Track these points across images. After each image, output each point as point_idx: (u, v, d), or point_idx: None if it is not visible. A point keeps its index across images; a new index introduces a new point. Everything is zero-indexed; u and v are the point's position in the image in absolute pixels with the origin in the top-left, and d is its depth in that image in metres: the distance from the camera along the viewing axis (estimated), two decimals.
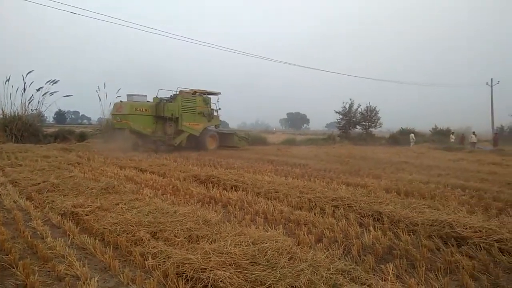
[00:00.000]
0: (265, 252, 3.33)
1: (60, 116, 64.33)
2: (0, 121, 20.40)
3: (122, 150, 15.35)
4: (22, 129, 20.01)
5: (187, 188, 7.09)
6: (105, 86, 22.52)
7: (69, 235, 4.28)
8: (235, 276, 2.91)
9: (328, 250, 3.76)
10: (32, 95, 21.29)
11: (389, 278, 3.07)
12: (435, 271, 3.35)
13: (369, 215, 5.12)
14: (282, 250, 3.42)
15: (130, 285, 3.06)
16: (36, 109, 21.79)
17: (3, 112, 20.74)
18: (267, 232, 4.08)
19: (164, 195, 6.50)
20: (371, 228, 4.52)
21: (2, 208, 5.54)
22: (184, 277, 3.02)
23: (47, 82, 21.54)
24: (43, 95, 21.41)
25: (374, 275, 3.20)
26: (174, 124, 17.36)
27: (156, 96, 17.74)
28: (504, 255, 3.67)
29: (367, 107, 32.78)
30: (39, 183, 7.01)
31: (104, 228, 4.35)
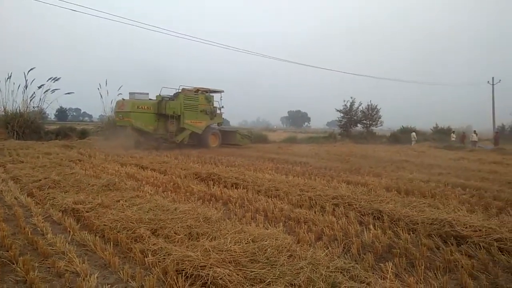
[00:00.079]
0: (265, 250, 3.33)
1: (62, 113, 64.35)
2: (1, 118, 20.47)
3: (124, 147, 15.38)
4: (24, 126, 20.08)
5: (187, 186, 7.10)
6: (106, 83, 22.61)
7: (69, 231, 4.30)
8: (234, 274, 2.92)
9: (328, 248, 3.76)
10: (34, 92, 21.40)
11: (389, 276, 3.07)
12: (434, 270, 3.35)
13: (369, 214, 5.12)
14: (282, 248, 3.43)
15: (130, 282, 3.07)
16: (37, 106, 21.87)
17: (4, 109, 20.85)
18: (267, 230, 4.09)
19: (165, 193, 6.52)
20: (371, 226, 4.52)
21: (3, 205, 5.56)
22: (183, 274, 3.03)
23: (49, 79, 21.60)
24: (44, 92, 21.49)
25: (373, 273, 3.21)
26: (176, 122, 17.37)
27: (159, 94, 17.75)
28: (503, 255, 3.67)
29: (368, 105, 32.75)
30: (40, 180, 7.03)
31: (105, 225, 4.37)
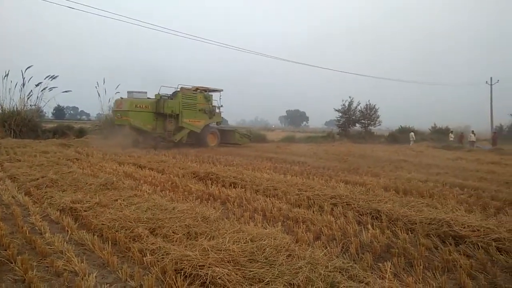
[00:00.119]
0: (264, 249, 3.33)
1: (59, 111, 64.14)
2: None
3: (122, 146, 15.35)
4: (21, 124, 19.97)
5: (186, 185, 7.09)
6: (104, 82, 22.54)
7: (67, 230, 4.28)
8: (233, 273, 2.92)
9: (326, 248, 3.77)
10: (31, 90, 21.25)
11: (387, 276, 3.07)
12: (432, 270, 3.36)
13: (367, 213, 5.12)
14: (281, 247, 3.42)
15: (129, 281, 3.06)
16: (35, 105, 21.75)
17: (1, 107, 20.69)
18: (266, 229, 4.08)
19: (163, 192, 6.50)
20: (369, 226, 4.53)
21: (0, 204, 5.54)
22: (182, 273, 3.02)
23: (46, 77, 21.47)
24: (42, 90, 21.36)
25: (372, 273, 3.21)
26: (175, 121, 17.35)
27: (158, 93, 17.72)
28: (501, 254, 3.68)
29: (366, 105, 32.82)
30: (37, 179, 7.01)
31: (103, 224, 4.35)
